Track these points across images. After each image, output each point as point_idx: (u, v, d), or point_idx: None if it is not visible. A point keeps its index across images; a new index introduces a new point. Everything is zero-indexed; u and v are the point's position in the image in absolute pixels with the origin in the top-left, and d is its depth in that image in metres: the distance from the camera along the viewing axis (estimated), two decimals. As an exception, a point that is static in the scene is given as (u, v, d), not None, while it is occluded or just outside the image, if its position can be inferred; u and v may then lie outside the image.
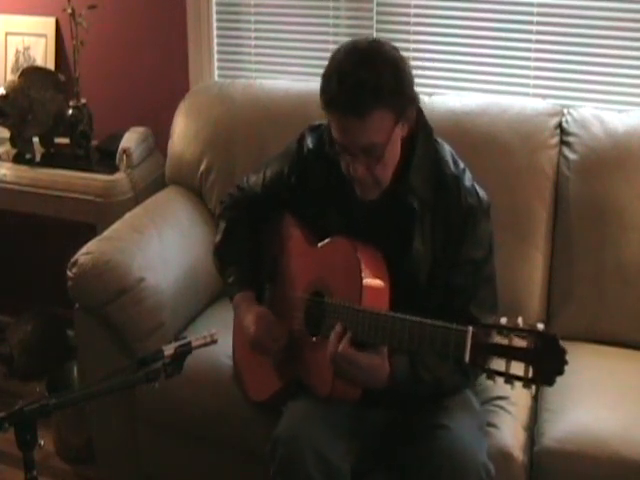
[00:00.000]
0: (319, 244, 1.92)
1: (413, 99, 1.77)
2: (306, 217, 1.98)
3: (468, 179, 1.86)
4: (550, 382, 1.42)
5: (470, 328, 1.50)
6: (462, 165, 1.89)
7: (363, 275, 1.75)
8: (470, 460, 1.71)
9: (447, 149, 1.89)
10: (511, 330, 1.44)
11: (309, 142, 1.96)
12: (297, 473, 1.73)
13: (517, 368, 1.44)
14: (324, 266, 1.89)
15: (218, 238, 2.13)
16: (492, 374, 1.46)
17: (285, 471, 1.75)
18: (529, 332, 1.43)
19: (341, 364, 1.72)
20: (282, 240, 2.06)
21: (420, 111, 1.84)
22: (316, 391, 1.84)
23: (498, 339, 1.45)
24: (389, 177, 1.79)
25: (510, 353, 1.44)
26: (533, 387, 1.44)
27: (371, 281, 1.76)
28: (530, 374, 1.42)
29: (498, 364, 1.47)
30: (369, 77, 1.66)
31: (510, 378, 1.44)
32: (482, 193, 1.88)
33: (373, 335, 1.69)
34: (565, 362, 1.41)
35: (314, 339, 1.86)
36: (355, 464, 1.80)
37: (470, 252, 1.83)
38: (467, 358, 1.49)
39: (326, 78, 1.73)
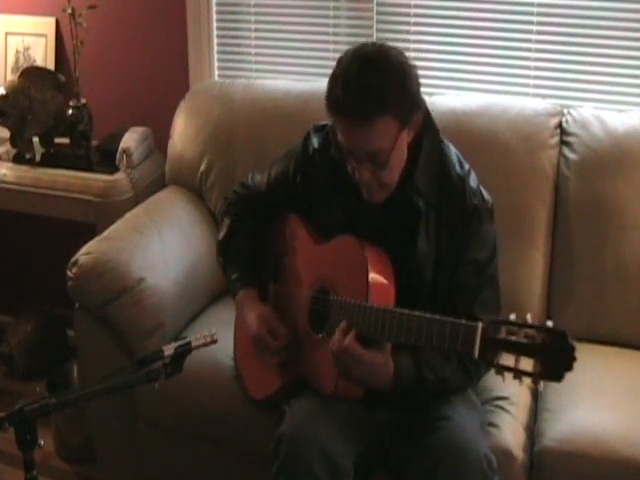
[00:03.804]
0: (325, 243, 1.92)
1: (419, 105, 1.76)
2: (311, 216, 1.99)
3: (473, 180, 1.87)
4: (559, 378, 1.41)
5: (479, 323, 1.50)
6: (467, 166, 1.89)
7: (370, 273, 1.75)
8: (471, 451, 1.71)
9: (453, 150, 1.90)
10: (520, 326, 1.44)
11: (314, 142, 1.96)
12: (301, 470, 1.73)
13: (526, 364, 1.43)
14: (330, 264, 1.90)
15: (222, 235, 2.14)
16: (501, 369, 1.46)
17: (289, 468, 1.75)
18: (538, 328, 1.43)
19: (345, 360, 1.71)
20: (287, 239, 2.06)
21: (427, 112, 1.84)
22: (320, 389, 1.84)
23: (507, 335, 1.45)
24: (395, 181, 1.80)
25: (519, 348, 1.43)
26: (541, 383, 1.43)
27: (378, 279, 1.76)
28: (539, 370, 1.42)
29: (507, 360, 1.46)
30: (374, 84, 1.66)
31: (519, 374, 1.43)
32: (487, 195, 1.88)
33: (380, 331, 1.68)
34: (574, 358, 1.40)
35: (319, 336, 1.86)
36: (358, 463, 1.80)
37: (474, 253, 1.83)
38: (476, 353, 1.49)
39: (332, 83, 1.73)
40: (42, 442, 1.46)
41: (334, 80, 1.72)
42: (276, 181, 2.06)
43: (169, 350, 1.55)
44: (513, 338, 1.44)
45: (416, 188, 1.81)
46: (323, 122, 1.98)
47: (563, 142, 2.36)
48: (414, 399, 1.84)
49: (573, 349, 1.41)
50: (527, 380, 1.44)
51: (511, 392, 2.06)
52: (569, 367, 1.41)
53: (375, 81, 1.66)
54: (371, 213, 1.87)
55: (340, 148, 1.79)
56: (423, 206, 1.81)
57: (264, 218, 2.12)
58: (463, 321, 1.54)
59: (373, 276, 1.76)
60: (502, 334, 1.46)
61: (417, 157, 1.81)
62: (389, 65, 1.70)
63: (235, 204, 2.15)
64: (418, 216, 1.81)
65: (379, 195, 1.81)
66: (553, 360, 1.41)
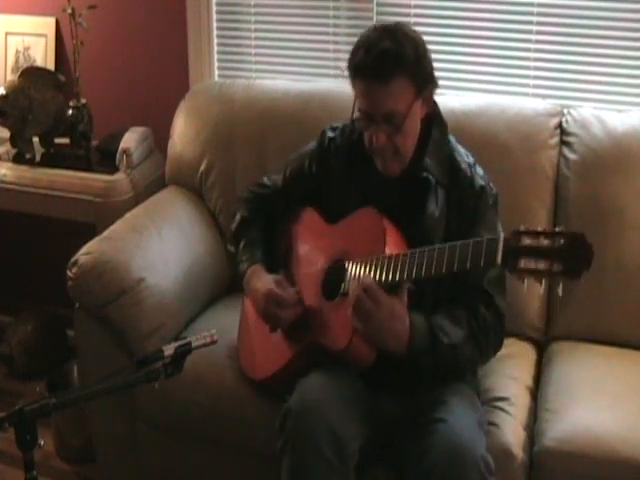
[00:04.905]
0: (341, 220, 1.99)
1: (432, 78, 1.89)
2: (325, 204, 2.07)
3: (480, 169, 1.97)
4: (579, 275, 1.48)
5: (502, 235, 1.59)
6: (473, 159, 1.98)
7: (387, 242, 1.81)
8: (468, 453, 1.71)
9: (460, 146, 2.00)
10: (539, 234, 1.52)
11: (330, 134, 2.08)
12: (306, 446, 1.72)
13: (547, 265, 1.50)
14: (346, 237, 1.95)
15: (235, 225, 2.21)
16: (522, 273, 1.52)
17: (295, 443, 1.74)
18: (557, 233, 1.50)
19: (364, 303, 1.73)
20: (297, 228, 2.12)
21: (436, 103, 1.95)
22: (333, 344, 1.84)
23: (528, 242, 1.52)
24: (409, 151, 1.90)
25: (540, 252, 1.51)
26: (560, 288, 1.52)
27: (394, 248, 1.81)
28: (560, 269, 1.49)
29: (528, 264, 1.52)
30: (392, 47, 1.81)
31: (540, 274, 1.50)
32: (492, 184, 1.97)
33: (399, 272, 1.73)
34: (592, 255, 1.47)
35: (335, 300, 1.89)
36: (362, 449, 1.79)
37: (482, 232, 1.87)
38: (499, 260, 1.56)
39: (354, 50, 1.87)
40: (42, 442, 1.46)
41: (356, 47, 1.87)
42: (292, 177, 2.15)
43: (169, 350, 1.55)
44: (534, 244, 1.51)
45: (426, 167, 1.90)
46: (336, 124, 2.08)
47: (563, 142, 2.36)
48: (425, 370, 1.85)
49: (591, 247, 1.47)
50: (548, 279, 1.51)
51: (511, 393, 2.06)
52: (588, 265, 1.47)
53: (394, 46, 1.81)
54: (385, 190, 1.94)
55: (358, 120, 1.89)
56: (433, 180, 1.90)
57: (277, 215, 2.19)
58: (485, 237, 1.63)
59: (389, 245, 1.81)
60: (524, 242, 1.53)
61: (427, 140, 1.91)
62: (407, 35, 1.86)
63: (250, 200, 2.22)
64: (428, 187, 1.89)
65: (393, 166, 1.90)
66: (573, 259, 1.48)
